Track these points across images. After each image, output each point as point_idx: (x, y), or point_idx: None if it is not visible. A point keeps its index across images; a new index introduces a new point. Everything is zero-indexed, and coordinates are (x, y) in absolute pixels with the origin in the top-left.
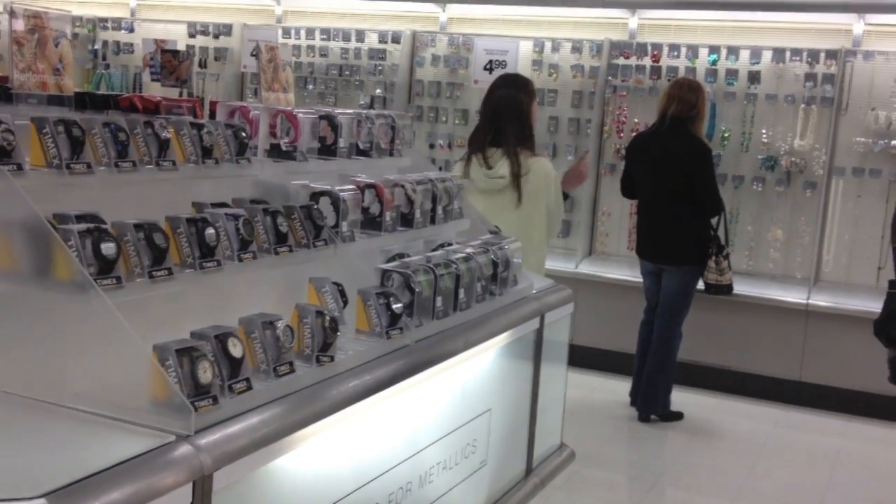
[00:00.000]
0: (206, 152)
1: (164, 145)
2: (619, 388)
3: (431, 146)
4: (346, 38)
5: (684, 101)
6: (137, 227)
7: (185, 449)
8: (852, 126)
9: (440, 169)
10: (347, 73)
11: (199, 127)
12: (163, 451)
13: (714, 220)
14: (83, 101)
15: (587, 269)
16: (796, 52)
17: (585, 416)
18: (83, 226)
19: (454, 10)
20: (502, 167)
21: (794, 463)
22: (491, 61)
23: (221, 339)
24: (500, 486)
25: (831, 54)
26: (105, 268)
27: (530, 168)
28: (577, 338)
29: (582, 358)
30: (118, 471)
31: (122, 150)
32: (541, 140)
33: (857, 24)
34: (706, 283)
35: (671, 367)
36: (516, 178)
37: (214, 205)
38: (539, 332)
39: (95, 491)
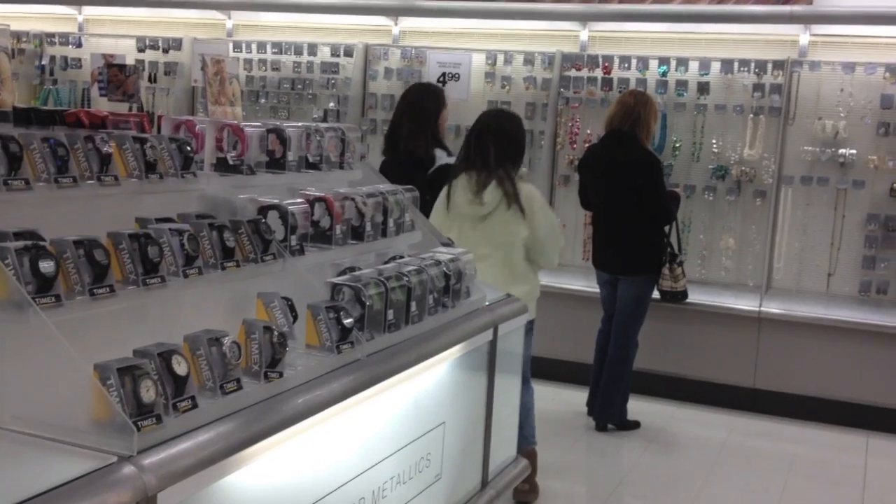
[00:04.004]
0: (150, 167)
1: (105, 160)
2: (576, 399)
3: None
4: (299, 52)
5: (623, 103)
6: (77, 243)
7: (127, 469)
8: (800, 135)
9: None
10: (300, 86)
11: (143, 141)
12: (105, 473)
13: (666, 229)
14: (28, 117)
15: (543, 280)
16: (744, 62)
17: (542, 426)
18: (20, 243)
19: (406, 23)
20: (490, 193)
21: (749, 469)
22: (444, 74)
23: (165, 356)
24: (455, 500)
25: (778, 65)
26: (44, 286)
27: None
28: (535, 349)
29: (539, 369)
30: (59, 493)
31: (61, 166)
32: None
33: (803, 36)
34: (661, 291)
35: (628, 375)
36: (513, 199)
37: (159, 220)
38: (493, 344)
39: None
